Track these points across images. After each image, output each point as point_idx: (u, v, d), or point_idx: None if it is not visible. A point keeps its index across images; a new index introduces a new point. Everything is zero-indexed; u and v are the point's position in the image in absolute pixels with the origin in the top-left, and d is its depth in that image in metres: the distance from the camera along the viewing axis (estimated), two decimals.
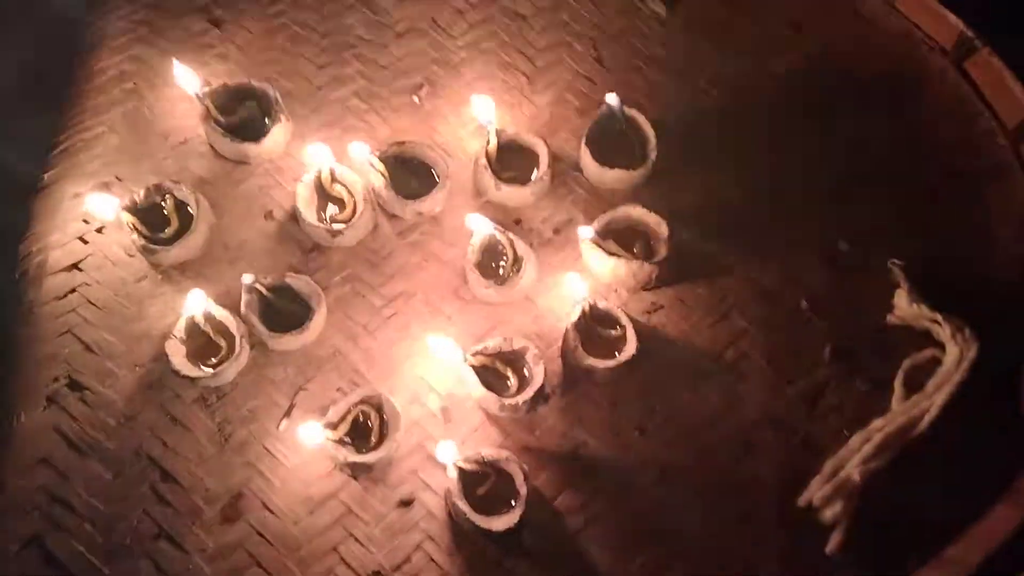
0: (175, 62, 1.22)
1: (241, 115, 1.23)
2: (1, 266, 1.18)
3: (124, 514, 1.04)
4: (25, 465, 1.04)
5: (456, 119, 1.29)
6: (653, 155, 1.21)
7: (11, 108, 1.31)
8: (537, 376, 1.09)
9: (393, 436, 1.07)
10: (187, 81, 1.20)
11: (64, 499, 1.03)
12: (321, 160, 1.17)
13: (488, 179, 1.19)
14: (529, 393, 1.07)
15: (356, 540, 1.05)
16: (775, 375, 1.14)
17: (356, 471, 1.07)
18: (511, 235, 1.16)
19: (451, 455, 1.04)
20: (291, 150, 1.25)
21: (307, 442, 1.05)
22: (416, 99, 1.30)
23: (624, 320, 1.13)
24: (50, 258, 1.15)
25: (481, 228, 1.14)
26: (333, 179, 1.19)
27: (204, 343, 1.11)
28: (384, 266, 1.20)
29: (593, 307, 1.13)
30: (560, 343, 1.16)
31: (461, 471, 1.04)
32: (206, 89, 1.21)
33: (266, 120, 1.23)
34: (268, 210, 1.21)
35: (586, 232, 1.15)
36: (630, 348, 1.11)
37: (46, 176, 1.20)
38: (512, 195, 1.20)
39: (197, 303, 1.08)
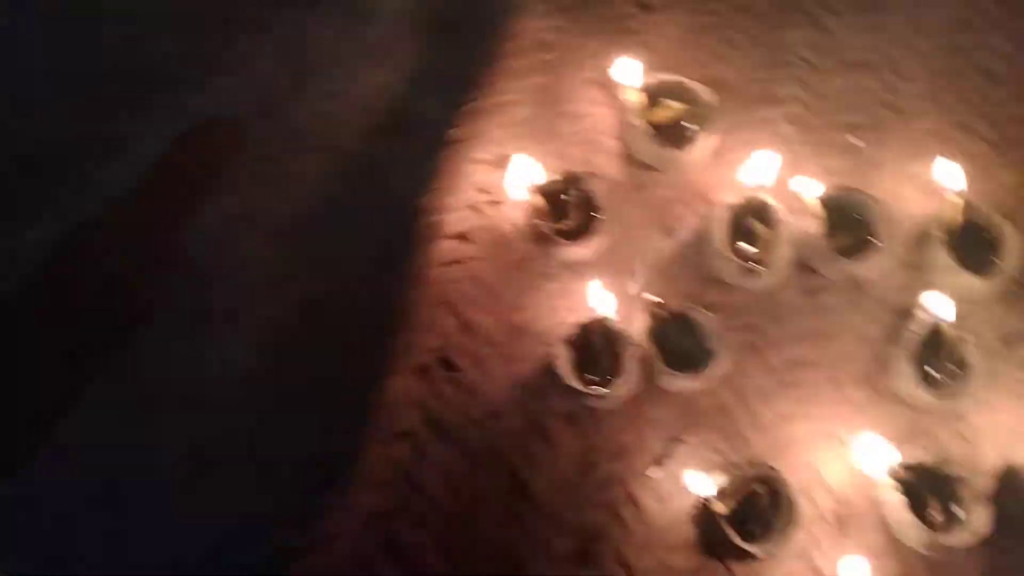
0: (619, 58, 1.09)
1: (664, 116, 1.09)
2: (376, 211, 1.08)
3: (474, 517, 0.93)
4: (386, 434, 0.95)
5: (899, 174, 1.12)
6: None
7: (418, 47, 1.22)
8: (978, 520, 0.90)
9: (786, 532, 0.91)
10: (627, 73, 1.07)
11: (418, 483, 0.93)
12: (756, 186, 1.02)
13: (942, 259, 1.01)
14: (968, 540, 0.88)
15: None
16: None
17: (727, 554, 0.91)
18: (966, 335, 0.97)
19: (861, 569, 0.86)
20: (707, 164, 1.10)
21: (695, 492, 0.90)
22: (855, 141, 1.13)
23: None
24: (442, 221, 1.05)
25: (939, 313, 0.96)
26: (758, 211, 1.03)
27: (589, 356, 0.98)
28: (790, 324, 1.04)
29: None
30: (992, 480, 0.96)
31: None
32: (640, 82, 1.07)
33: (690, 127, 1.09)
34: (670, 226, 1.06)
35: None
36: None
37: (451, 132, 1.10)
38: (964, 284, 1.01)
39: (600, 309, 0.95)
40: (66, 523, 0.94)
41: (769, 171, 1.05)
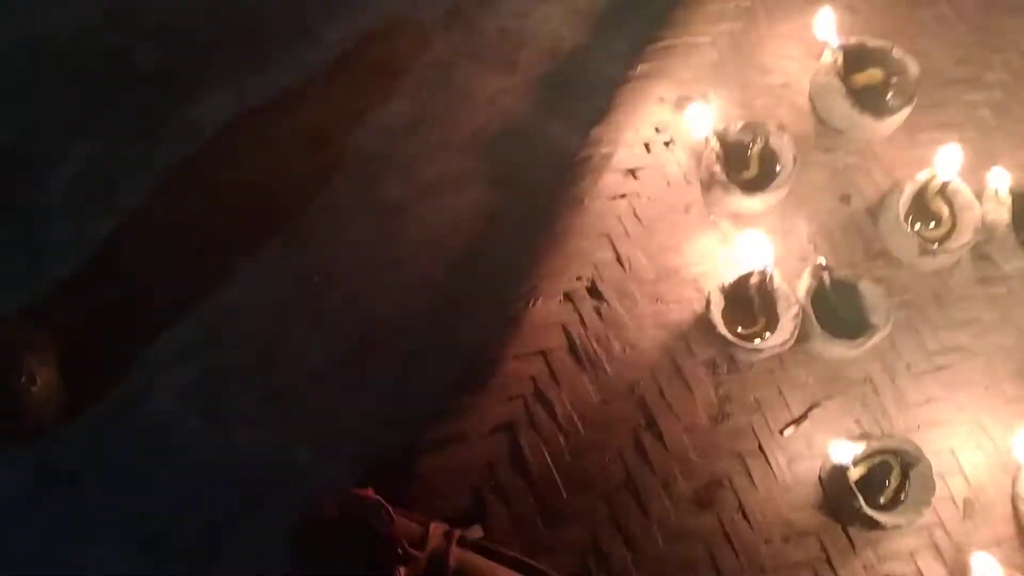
0: (821, 12, 1.06)
1: (865, 80, 1.06)
2: (562, 141, 1.09)
3: (600, 444, 0.94)
4: (525, 350, 0.97)
5: None
6: None
7: None
8: None
9: (917, 507, 0.90)
10: (824, 27, 1.05)
11: (549, 401, 0.95)
12: (945, 165, 0.98)
13: None
14: None
15: None
16: None
17: (851, 520, 0.91)
18: None
19: (991, 568, 0.84)
20: (896, 138, 1.06)
21: (835, 459, 0.89)
22: None
23: None
24: (616, 153, 1.05)
25: None
26: (943, 190, 1.00)
27: (742, 307, 0.98)
28: (953, 310, 1.01)
29: None
30: None
31: None
32: (842, 40, 1.04)
33: (886, 96, 1.05)
34: (846, 193, 1.05)
35: None
36: None
37: (638, 68, 1.10)
38: None
39: (761, 261, 0.95)
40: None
41: (956, 161, 1.00)
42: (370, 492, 0.84)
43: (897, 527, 0.89)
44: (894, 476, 0.92)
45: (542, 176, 1.07)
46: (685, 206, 1.05)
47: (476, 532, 0.87)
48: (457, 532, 0.85)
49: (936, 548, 0.92)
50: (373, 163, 1.08)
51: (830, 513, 0.93)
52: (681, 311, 1.00)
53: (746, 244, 0.99)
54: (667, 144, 1.08)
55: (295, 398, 1.00)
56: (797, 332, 0.96)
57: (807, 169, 1.07)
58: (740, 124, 1.04)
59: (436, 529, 0.84)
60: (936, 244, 0.99)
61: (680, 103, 1.10)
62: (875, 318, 0.97)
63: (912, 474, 0.92)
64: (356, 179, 1.07)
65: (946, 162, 0.99)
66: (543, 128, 1.14)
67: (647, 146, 1.08)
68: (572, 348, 0.98)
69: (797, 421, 0.96)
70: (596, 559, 0.90)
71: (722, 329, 0.95)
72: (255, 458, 0.97)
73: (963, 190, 1.00)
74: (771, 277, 0.97)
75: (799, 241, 1.03)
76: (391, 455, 0.91)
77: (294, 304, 1.03)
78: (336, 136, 1.09)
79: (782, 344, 0.94)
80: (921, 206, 1.02)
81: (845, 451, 0.89)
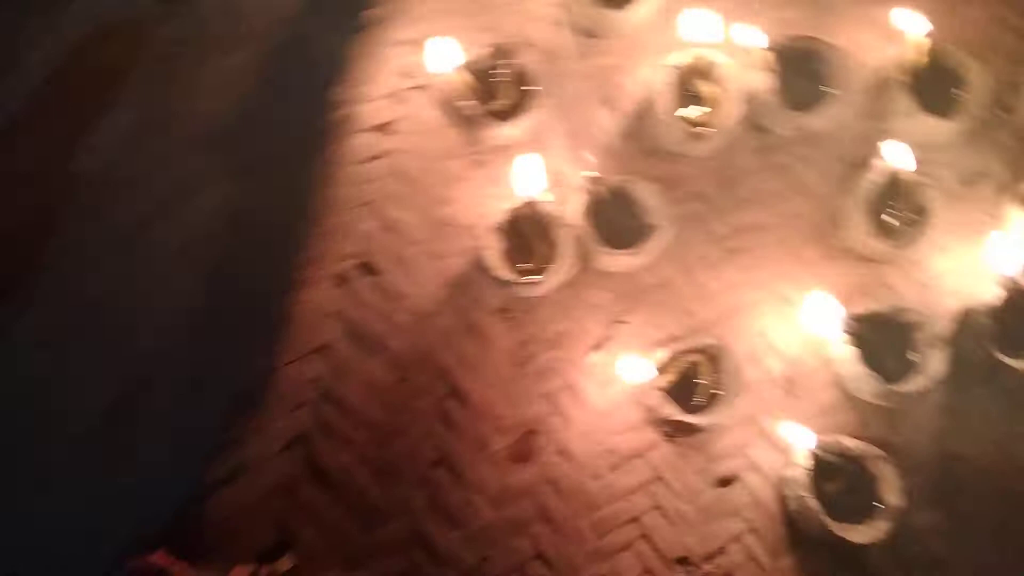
0: None
1: None
2: (299, 108, 1.01)
3: (403, 428, 0.89)
4: (301, 350, 0.90)
5: (858, 19, 1.01)
6: None
7: None
8: (933, 364, 0.84)
9: (730, 399, 0.86)
10: None
11: (339, 399, 0.89)
12: (704, 41, 0.92)
13: (900, 101, 0.91)
14: (923, 384, 0.83)
15: (663, 514, 0.87)
16: None
17: (674, 431, 0.88)
18: (920, 178, 0.89)
19: (807, 437, 0.82)
20: (650, 28, 1.00)
21: (628, 379, 0.86)
22: None
23: None
24: (359, 113, 0.98)
25: (896, 161, 0.88)
26: (705, 70, 0.95)
27: (521, 243, 0.92)
28: (737, 188, 0.97)
29: (1018, 290, 0.85)
30: (951, 323, 0.89)
31: (815, 459, 0.82)
32: None
33: None
34: (609, 97, 0.99)
35: None
36: None
37: (365, 15, 1.02)
38: (926, 127, 0.92)
39: (528, 192, 0.89)
40: None
41: (711, 27, 0.95)
42: (159, 556, 0.77)
43: (716, 426, 0.85)
44: (705, 374, 0.88)
45: (288, 157, 0.99)
46: (448, 151, 0.99)
47: (285, 564, 0.81)
48: (264, 570, 0.79)
49: (765, 435, 0.89)
50: (102, 188, 0.99)
51: (654, 428, 0.89)
52: (463, 263, 0.95)
53: (515, 175, 0.92)
54: (417, 89, 1.00)
55: (62, 474, 0.91)
56: (579, 255, 0.91)
57: (566, 81, 1.01)
58: (485, 51, 0.96)
59: (239, 574, 0.78)
60: (703, 126, 0.94)
61: (423, 42, 1.02)
62: (655, 219, 0.92)
63: (722, 367, 0.88)
64: (86, 210, 0.97)
65: (695, 37, 0.93)
66: (282, 103, 1.05)
67: (396, 96, 1.00)
68: (353, 334, 0.92)
69: (601, 344, 0.91)
70: (423, 550, 0.85)
71: (500, 271, 0.90)
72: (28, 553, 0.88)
73: (726, 63, 0.94)
74: (541, 204, 0.91)
75: (571, 160, 0.97)
76: (180, 506, 0.83)
77: (40, 368, 0.94)
78: (53, 169, 0.99)
79: (566, 271, 0.89)
80: (686, 90, 0.97)
81: (637, 367, 0.84)
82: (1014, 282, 0.85)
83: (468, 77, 0.95)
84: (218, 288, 0.98)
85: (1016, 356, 0.85)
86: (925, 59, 0.93)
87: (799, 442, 0.82)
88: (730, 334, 0.92)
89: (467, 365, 0.91)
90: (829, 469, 0.83)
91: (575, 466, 0.88)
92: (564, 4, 1.02)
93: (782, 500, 0.85)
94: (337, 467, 0.87)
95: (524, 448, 0.89)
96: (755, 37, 0.93)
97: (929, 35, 0.94)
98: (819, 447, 0.82)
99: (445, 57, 0.94)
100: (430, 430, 0.89)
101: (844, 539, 0.80)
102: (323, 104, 1.01)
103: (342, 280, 0.93)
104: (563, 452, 0.89)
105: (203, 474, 0.85)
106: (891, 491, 0.81)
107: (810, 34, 0.97)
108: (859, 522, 0.81)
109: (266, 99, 1.05)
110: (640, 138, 0.99)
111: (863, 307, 0.89)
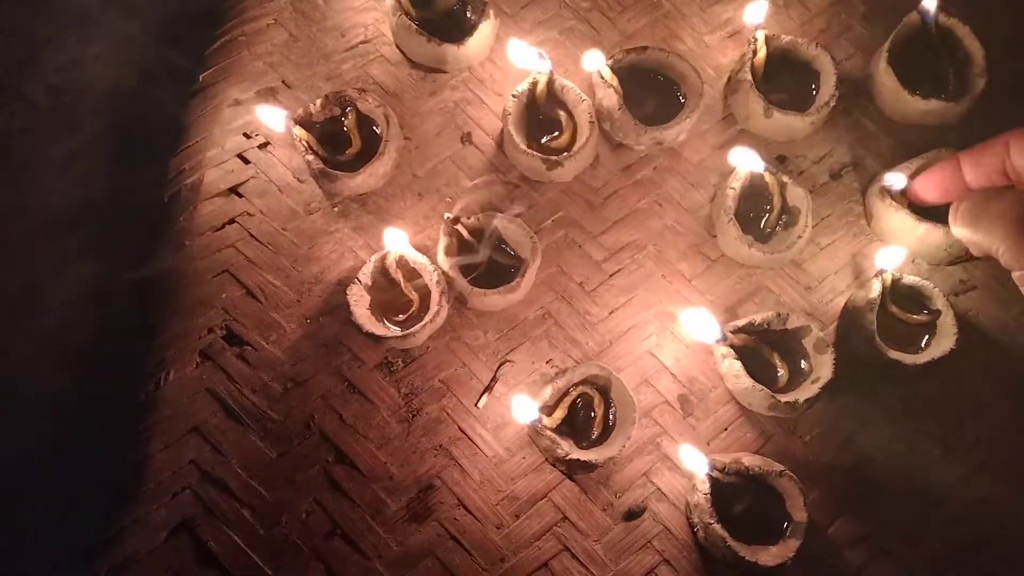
0: None
1: (437, 9, 0.97)
2: (145, 184, 0.96)
3: (291, 503, 0.84)
4: (174, 435, 0.85)
5: (702, 22, 1.02)
6: (981, 82, 0.90)
7: None
8: (822, 367, 0.83)
9: (624, 429, 0.83)
10: None
11: (220, 479, 0.84)
12: (538, 70, 0.91)
13: (754, 102, 0.91)
14: (813, 390, 0.81)
15: (573, 555, 0.83)
16: None
17: (573, 469, 0.84)
18: (784, 177, 0.89)
19: (702, 462, 0.79)
20: (495, 57, 0.99)
21: (520, 420, 0.82)
22: None
23: (939, 302, 0.85)
24: (205, 179, 0.93)
25: (749, 166, 0.87)
26: (551, 95, 0.93)
27: (392, 295, 0.89)
28: (606, 209, 0.94)
29: (896, 282, 0.85)
30: (835, 325, 0.89)
31: (715, 483, 0.79)
32: None
33: (468, 16, 0.97)
34: (466, 131, 0.96)
35: (897, 182, 0.86)
36: (947, 340, 0.83)
37: (202, 77, 0.97)
38: (782, 125, 0.92)
39: (391, 243, 0.85)
40: None
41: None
42: None
43: (611, 458, 0.82)
44: (597, 405, 0.85)
45: (140, 232, 0.93)
46: (306, 207, 0.94)
47: None
48: None
49: (667, 458, 0.86)
50: None
51: (555, 468, 0.85)
52: (335, 321, 0.90)
53: (379, 225, 0.88)
54: (263, 147, 0.96)
55: None
56: (453, 298, 0.87)
57: (419, 119, 0.98)
58: (318, 102, 0.92)
59: None
60: (564, 153, 0.91)
61: (263, 96, 0.98)
62: (523, 252, 0.89)
63: (612, 396, 0.85)
64: None
65: (534, 64, 0.91)
66: (127, 179, 0.99)
67: (242, 157, 0.95)
68: (227, 410, 0.86)
69: (488, 388, 0.88)
70: None
71: (370, 327, 0.85)
72: None
73: (570, 86, 0.93)
74: (405, 252, 0.87)
75: (432, 200, 0.94)
76: None
77: None
78: None
79: (435, 315, 0.85)
80: (536, 117, 0.95)
81: (527, 407, 0.80)
82: (892, 275, 0.85)
83: (304, 131, 0.91)
84: (84, 378, 0.91)
85: (905, 349, 0.84)
86: (773, 54, 0.93)
87: (696, 466, 0.80)
88: (619, 359, 0.89)
89: (351, 428, 0.86)
90: (732, 490, 0.81)
91: (477, 518, 0.84)
92: (401, 43, 0.99)
93: (691, 527, 0.83)
94: (227, 550, 0.81)
95: (421, 507, 0.84)
96: (596, 60, 0.91)
97: (770, 30, 0.94)
98: (717, 469, 0.79)
99: (275, 116, 0.90)
100: (320, 500, 0.84)
101: (756, 563, 0.77)
102: (169, 174, 0.95)
103: (208, 355, 0.88)
104: (463, 505, 0.85)
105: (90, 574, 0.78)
106: (795, 507, 0.79)
107: (653, 44, 0.96)
108: (770, 542, 0.79)
109: (111, 176, 0.99)
110: (503, 168, 0.96)
111: (747, 316, 0.87)
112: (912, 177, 0.86)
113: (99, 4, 1.02)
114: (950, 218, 0.80)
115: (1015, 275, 0.74)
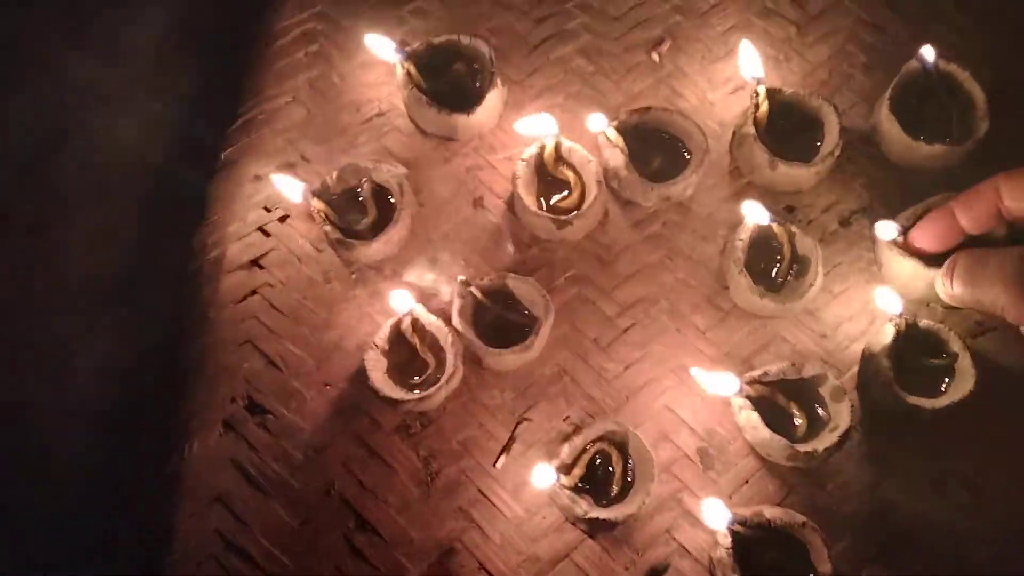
0: (367, 36, 1.00)
1: (447, 80, 1.01)
2: (171, 259, 0.99)
3: (312, 569, 0.84)
4: (198, 504, 0.86)
5: (705, 80, 1.04)
6: (985, 124, 0.91)
7: (187, 70, 1.13)
8: (840, 415, 0.82)
9: (643, 486, 0.83)
10: (380, 47, 0.98)
11: (243, 548, 0.84)
12: (546, 134, 0.93)
13: (758, 155, 0.92)
14: (832, 439, 0.80)
15: None
16: None
17: (594, 528, 0.84)
18: (793, 228, 0.89)
19: (723, 516, 0.78)
20: (505, 123, 1.01)
21: (539, 487, 0.82)
22: (655, 57, 1.04)
23: (956, 345, 0.84)
24: (228, 252, 0.96)
25: (757, 218, 0.88)
26: (559, 157, 0.95)
27: (408, 358, 0.90)
28: (618, 265, 0.95)
29: (911, 327, 0.84)
30: (856, 371, 0.88)
31: (737, 537, 0.78)
32: (406, 50, 0.98)
33: (476, 85, 1.00)
34: (478, 196, 0.98)
35: (888, 230, 0.87)
36: (965, 383, 0.82)
37: (223, 155, 1.01)
38: (789, 175, 0.93)
39: (403, 306, 0.87)
40: None
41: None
42: None
43: (631, 515, 0.82)
44: (615, 462, 0.85)
45: (165, 306, 0.96)
46: (324, 276, 0.97)
47: None
48: None
49: (689, 514, 0.85)
50: None
51: (575, 528, 0.85)
52: (353, 387, 0.91)
53: (394, 291, 0.90)
54: (283, 220, 0.99)
55: None
56: (468, 360, 0.89)
57: (432, 186, 1.00)
58: (335, 174, 0.95)
59: None
60: (573, 212, 0.93)
61: (282, 171, 1.01)
62: (536, 311, 0.90)
63: (630, 451, 0.85)
64: None
65: (542, 129, 0.93)
66: (152, 253, 1.02)
67: (263, 231, 0.99)
68: (249, 479, 0.88)
69: (506, 448, 0.88)
70: None
71: (387, 391, 0.86)
72: None
73: (577, 148, 0.95)
74: (423, 315, 0.89)
75: (448, 265, 0.96)
76: None
77: None
78: None
79: (451, 376, 0.86)
80: (545, 179, 0.97)
81: (546, 473, 0.81)
82: (903, 318, 0.84)
83: (321, 202, 0.94)
84: (110, 451, 0.93)
85: (926, 394, 0.83)
86: (776, 107, 0.94)
87: (718, 521, 0.79)
88: (636, 415, 0.89)
89: (371, 493, 0.87)
90: (755, 544, 0.80)
91: None
92: (412, 115, 1.02)
93: None
94: None
95: (442, 571, 0.84)
96: (599, 122, 0.93)
97: (772, 83, 0.96)
98: (739, 523, 0.78)
99: (292, 188, 0.93)
100: (341, 567, 0.84)
101: None
102: (193, 249, 0.99)
103: (231, 424, 0.90)
104: (484, 568, 0.84)
105: None
106: (820, 559, 0.78)
107: (656, 104, 0.98)
108: None
109: (136, 251, 1.03)
110: (515, 231, 0.98)
111: (762, 366, 0.87)
112: (913, 223, 0.86)
113: (126, 84, 1.07)
114: (943, 277, 0.80)
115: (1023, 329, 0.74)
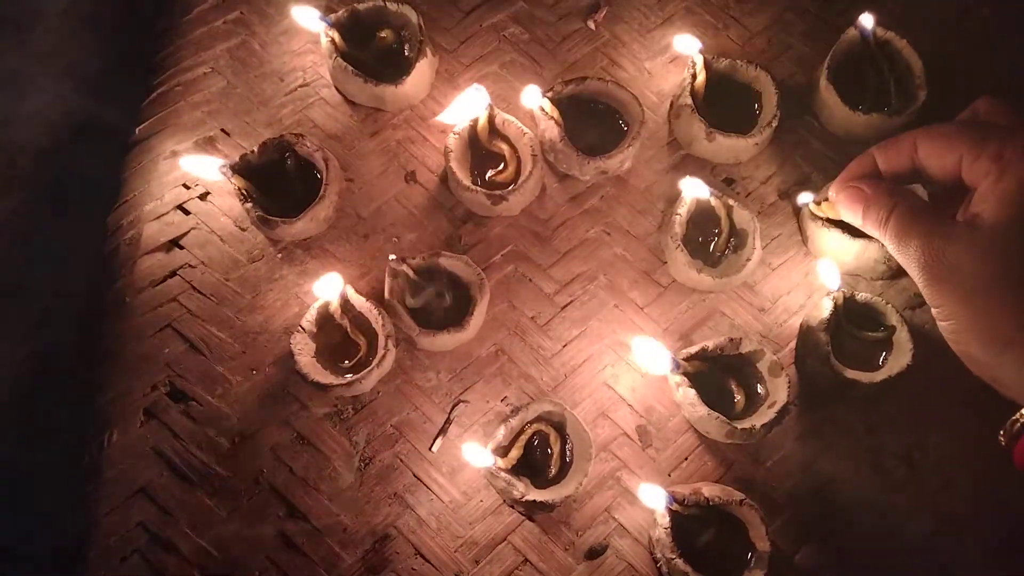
0: (291, 3, 0.95)
1: (374, 49, 0.96)
2: (85, 242, 0.94)
3: (243, 561, 0.81)
4: (120, 497, 0.82)
5: (642, 49, 1.01)
6: (922, 94, 0.90)
7: (93, 46, 1.06)
8: (777, 391, 0.81)
9: (581, 466, 0.81)
10: (303, 15, 0.93)
11: (169, 541, 0.81)
12: (479, 105, 0.89)
13: (696, 126, 0.90)
14: (770, 415, 0.79)
15: None
16: None
17: (532, 510, 0.82)
18: (731, 201, 0.87)
19: (661, 496, 0.77)
20: (437, 93, 0.97)
21: (475, 465, 0.80)
22: (591, 24, 1.01)
23: (894, 318, 0.83)
24: (145, 233, 0.91)
25: (695, 192, 0.86)
26: (493, 130, 0.92)
27: (338, 341, 0.86)
28: (555, 241, 0.93)
29: (849, 300, 0.84)
30: (793, 345, 0.87)
31: (676, 516, 0.77)
32: (330, 18, 0.93)
33: (406, 54, 0.96)
34: (409, 170, 0.95)
35: (807, 197, 0.86)
36: (903, 356, 0.81)
37: (138, 130, 0.96)
38: (726, 147, 0.91)
39: (332, 289, 0.83)
40: None
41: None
42: None
43: (569, 496, 0.80)
44: (553, 443, 0.83)
45: (80, 293, 0.90)
46: (249, 256, 0.92)
47: None
48: None
49: (628, 493, 0.84)
50: None
51: (514, 510, 0.83)
52: (281, 371, 0.88)
53: (323, 273, 0.87)
54: (203, 197, 0.94)
55: None
56: (401, 341, 0.85)
57: (361, 160, 0.96)
58: (257, 146, 0.91)
59: None
60: (509, 187, 0.90)
61: (201, 147, 0.96)
62: (472, 289, 0.87)
63: (568, 432, 0.83)
64: None
65: (475, 100, 0.90)
66: (64, 238, 0.96)
67: (183, 209, 0.94)
68: (174, 469, 0.84)
69: (443, 430, 0.86)
70: None
71: (315, 375, 0.83)
72: None
73: (511, 120, 0.92)
74: (353, 296, 0.86)
75: (378, 242, 0.92)
76: None
77: None
78: None
79: (382, 359, 0.83)
80: (482, 152, 0.93)
81: (480, 450, 0.78)
82: (841, 292, 0.83)
83: (242, 179, 0.89)
84: (28, 445, 0.88)
85: (863, 367, 0.83)
86: (714, 78, 0.92)
87: (655, 501, 0.77)
88: (576, 393, 0.87)
89: (302, 481, 0.84)
90: (694, 522, 0.78)
91: (435, 566, 0.82)
92: (338, 81, 0.98)
93: (655, 562, 0.80)
94: None
95: (377, 558, 0.82)
96: (534, 94, 0.90)
97: (713, 53, 0.93)
98: (676, 502, 0.77)
99: (210, 166, 0.88)
100: (272, 558, 0.81)
101: None
102: (107, 231, 0.93)
103: (153, 413, 0.85)
104: (420, 554, 0.82)
105: None
106: (758, 536, 0.77)
107: (593, 74, 0.95)
108: (735, 574, 0.76)
109: (48, 237, 0.97)
110: (448, 206, 0.94)
111: (701, 342, 0.86)
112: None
113: (31, 63, 1.00)
114: (877, 221, 0.77)
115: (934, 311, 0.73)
